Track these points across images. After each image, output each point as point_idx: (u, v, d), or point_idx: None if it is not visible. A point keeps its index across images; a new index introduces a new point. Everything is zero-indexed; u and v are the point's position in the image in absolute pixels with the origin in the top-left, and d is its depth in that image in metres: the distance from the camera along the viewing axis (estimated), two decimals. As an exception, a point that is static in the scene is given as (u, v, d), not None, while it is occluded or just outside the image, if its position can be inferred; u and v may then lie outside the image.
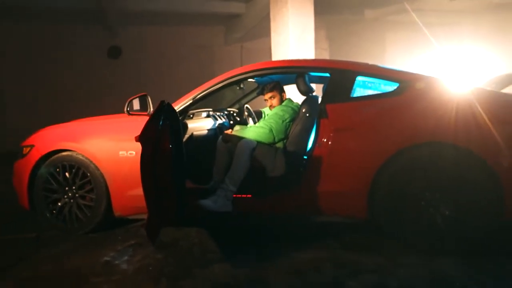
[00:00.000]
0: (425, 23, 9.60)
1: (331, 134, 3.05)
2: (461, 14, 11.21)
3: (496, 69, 8.54)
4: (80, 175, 3.46)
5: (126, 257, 3.00)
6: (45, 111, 10.32)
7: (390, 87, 3.23)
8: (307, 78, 3.51)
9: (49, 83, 11.15)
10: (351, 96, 3.23)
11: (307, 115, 3.40)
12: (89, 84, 11.35)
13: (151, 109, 3.32)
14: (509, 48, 10.60)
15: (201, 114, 4.11)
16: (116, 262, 2.92)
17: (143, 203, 2.86)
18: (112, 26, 10.80)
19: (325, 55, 12.72)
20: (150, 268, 2.80)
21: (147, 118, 2.99)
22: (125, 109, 3.33)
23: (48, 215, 3.49)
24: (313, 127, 3.33)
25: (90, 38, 11.40)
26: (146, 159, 2.48)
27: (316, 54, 7.43)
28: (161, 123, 2.55)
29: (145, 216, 3.23)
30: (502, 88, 5.26)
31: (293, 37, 7.03)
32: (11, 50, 10.98)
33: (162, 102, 2.73)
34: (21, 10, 9.65)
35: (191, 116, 3.98)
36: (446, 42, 10.79)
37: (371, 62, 3.56)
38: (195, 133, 3.85)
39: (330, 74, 3.34)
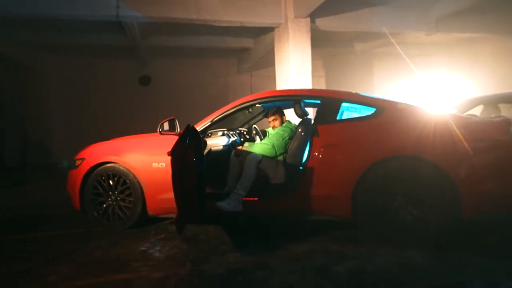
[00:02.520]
0: (407, 54, 9.58)
1: (321, 149, 3.15)
2: (437, 46, 11.08)
3: (466, 94, 8.60)
4: (121, 182, 3.57)
5: (158, 247, 3.12)
6: (86, 131, 10.45)
7: (368, 111, 3.33)
8: (302, 104, 3.60)
9: (89, 107, 11.28)
10: (337, 118, 3.32)
11: (303, 134, 3.47)
12: (123, 107, 11.44)
13: (178, 130, 3.41)
14: (478, 75, 10.60)
15: (217, 133, 4.16)
16: (150, 251, 3.04)
17: (171, 204, 2.99)
18: (143, 58, 10.92)
19: (322, 82, 12.63)
20: (177, 256, 2.92)
21: (175, 137, 3.18)
22: (158, 130, 3.43)
23: (95, 214, 3.61)
24: (307, 143, 3.40)
25: (124, 69, 11.55)
26: (175, 169, 2.64)
27: (313, 81, 7.31)
28: (187, 141, 2.72)
29: (172, 215, 3.41)
30: (466, 111, 5.37)
31: (294, 68, 7.00)
32: (58, 79, 11.18)
33: (188, 125, 2.90)
34: (68, 46, 9.92)
35: (210, 134, 4.07)
36: (425, 71, 10.74)
37: (359, 88, 3.65)
38: (212, 148, 3.92)
39: (320, 101, 3.46)
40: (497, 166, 2.96)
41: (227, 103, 3.64)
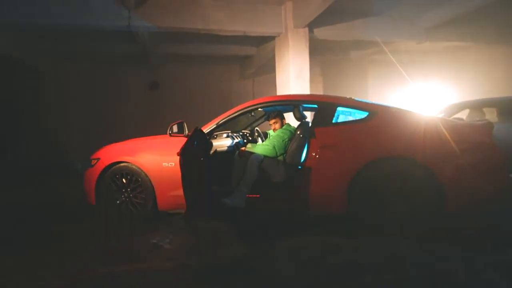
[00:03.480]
0: (399, 61, 9.59)
1: (319, 150, 3.18)
2: (427, 54, 11.09)
3: (453, 99, 8.61)
4: (134, 180, 3.61)
5: (167, 240, 3.16)
6: (100, 133, 10.48)
7: (362, 115, 3.38)
8: (301, 109, 3.65)
9: (102, 110, 11.31)
10: (333, 122, 3.38)
11: (301, 136, 3.52)
12: (134, 110, 11.47)
13: (187, 132, 3.45)
14: (465, 80, 10.61)
15: (222, 135, 4.17)
16: (161, 243, 3.09)
17: (179, 201, 3.06)
18: (152, 65, 10.96)
19: (319, 88, 12.63)
20: (186, 248, 2.98)
21: (183, 138, 3.23)
22: (168, 132, 3.47)
23: (109, 209, 3.65)
24: (305, 145, 3.44)
25: (135, 75, 11.57)
26: (184, 168, 2.70)
27: (311, 87, 7.37)
28: (195, 143, 2.78)
29: (181, 211, 3.48)
30: (453, 115, 5.42)
31: (293, 74, 7.05)
32: (73, 85, 11.20)
33: (196, 127, 2.97)
34: (82, 54, 9.99)
35: (215, 136, 4.08)
36: (416, 77, 10.72)
37: (355, 93, 3.64)
38: (218, 149, 3.95)
39: (317, 105, 3.50)
40: (481, 166, 3.01)
41: (230, 107, 3.68)
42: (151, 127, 7.54)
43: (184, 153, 2.73)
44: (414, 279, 2.33)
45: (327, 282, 2.31)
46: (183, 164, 2.72)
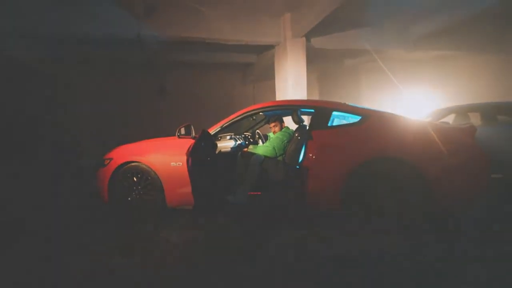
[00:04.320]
0: (391, 69, 9.71)
1: (315, 151, 3.21)
2: (417, 63, 11.17)
3: (440, 104, 8.67)
4: (144, 179, 3.63)
5: (175, 234, 3.18)
6: (111, 134, 10.59)
7: (355, 119, 3.40)
8: (299, 113, 3.69)
9: (114, 113, 11.37)
10: (329, 125, 3.41)
11: (299, 138, 3.57)
12: (143, 113, 11.55)
13: (194, 134, 3.49)
14: (451, 87, 10.68)
15: (226, 137, 4.24)
16: (169, 237, 3.11)
17: (186, 198, 3.10)
18: (160, 71, 11.05)
19: (315, 93, 12.73)
20: (192, 241, 3.00)
21: (190, 140, 3.29)
22: (176, 134, 3.51)
23: (121, 206, 3.67)
24: (303, 146, 3.48)
25: (144, 80, 11.66)
26: (193, 167, 2.75)
27: (308, 92, 7.50)
28: (202, 144, 2.84)
29: (188, 207, 3.50)
30: (440, 119, 5.46)
31: (291, 81, 7.12)
32: (86, 90, 11.27)
33: (204, 130, 3.01)
34: (95, 61, 10.08)
35: (220, 138, 4.14)
36: (406, 83, 10.76)
37: (349, 99, 3.67)
38: (222, 150, 4.00)
39: (314, 110, 3.52)
40: (465, 166, 3.05)
41: (232, 111, 3.71)
42: (159, 128, 7.59)
43: (193, 153, 2.77)
44: (405, 271, 2.37)
45: (326, 276, 2.33)
46: (192, 163, 2.76)
